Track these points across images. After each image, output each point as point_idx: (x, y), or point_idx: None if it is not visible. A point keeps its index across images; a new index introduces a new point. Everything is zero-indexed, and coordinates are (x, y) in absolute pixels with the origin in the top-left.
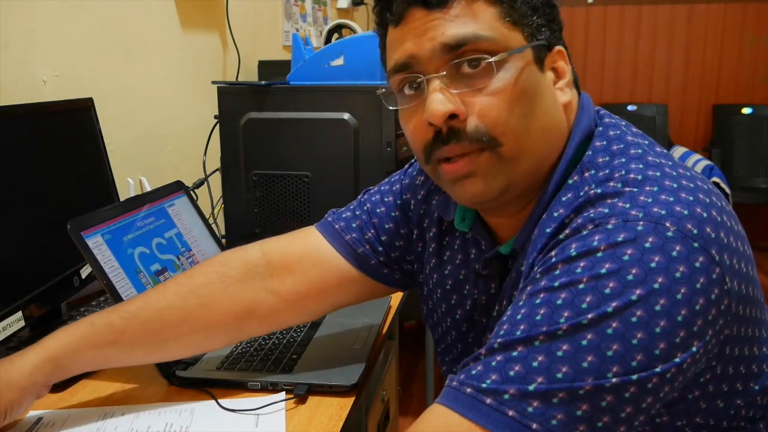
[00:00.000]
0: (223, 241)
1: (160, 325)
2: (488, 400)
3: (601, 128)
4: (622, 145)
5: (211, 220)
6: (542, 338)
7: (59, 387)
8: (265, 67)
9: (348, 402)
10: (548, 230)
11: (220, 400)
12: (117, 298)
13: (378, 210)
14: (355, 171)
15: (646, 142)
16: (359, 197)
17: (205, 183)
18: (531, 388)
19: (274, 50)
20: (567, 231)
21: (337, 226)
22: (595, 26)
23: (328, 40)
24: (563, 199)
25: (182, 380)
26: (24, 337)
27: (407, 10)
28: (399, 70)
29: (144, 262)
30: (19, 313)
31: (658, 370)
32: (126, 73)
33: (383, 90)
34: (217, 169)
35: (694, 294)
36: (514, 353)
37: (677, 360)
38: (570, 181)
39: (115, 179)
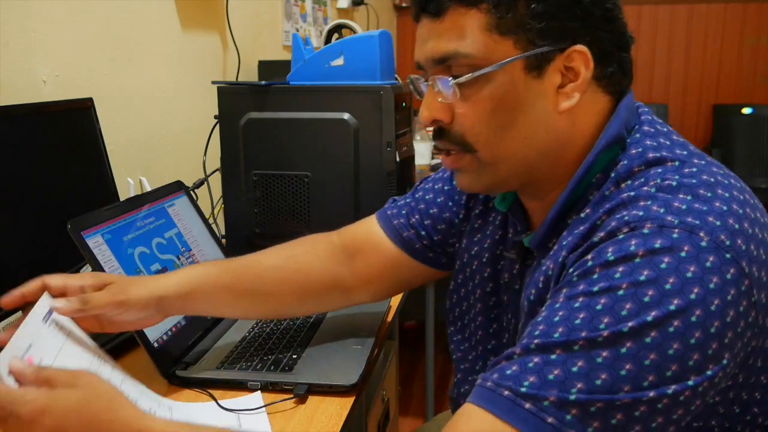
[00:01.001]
0: (223, 241)
1: (264, 281)
2: (527, 405)
3: (638, 135)
4: (658, 155)
5: (211, 220)
6: (582, 343)
7: None
8: (265, 67)
9: (348, 402)
10: (578, 231)
11: (220, 401)
12: None
13: (427, 196)
14: (355, 171)
15: (685, 152)
16: (416, 184)
17: (205, 183)
18: (572, 397)
19: (274, 50)
20: (601, 233)
21: (389, 212)
22: None
23: (328, 40)
24: (592, 199)
25: (182, 380)
26: None
27: (420, 15)
28: (416, 67)
29: (144, 262)
30: (19, 313)
31: (690, 383)
32: (126, 73)
33: (409, 80)
34: (217, 169)
35: (726, 306)
36: (553, 356)
37: (709, 373)
38: (606, 192)
39: (115, 179)
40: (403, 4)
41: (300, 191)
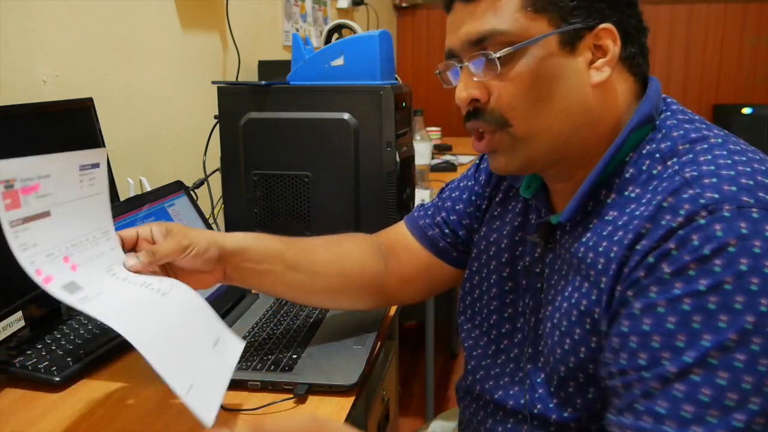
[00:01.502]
0: None
1: (314, 258)
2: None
3: (669, 114)
4: (699, 135)
5: (211, 220)
6: (714, 354)
7: (59, 387)
8: (265, 67)
9: (348, 402)
10: (639, 212)
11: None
12: None
13: (453, 194)
14: (355, 171)
15: (722, 132)
16: (442, 187)
17: (205, 183)
18: (731, 406)
19: (274, 50)
20: (679, 218)
21: (416, 213)
22: None
23: (328, 40)
24: (629, 177)
25: None
26: (24, 337)
27: (452, 3)
28: (446, 58)
29: None
30: (19, 313)
31: None
32: (126, 73)
33: (439, 70)
34: (217, 169)
35: None
36: (696, 378)
37: None
38: (654, 171)
39: (115, 179)
40: (403, 4)
41: (300, 191)
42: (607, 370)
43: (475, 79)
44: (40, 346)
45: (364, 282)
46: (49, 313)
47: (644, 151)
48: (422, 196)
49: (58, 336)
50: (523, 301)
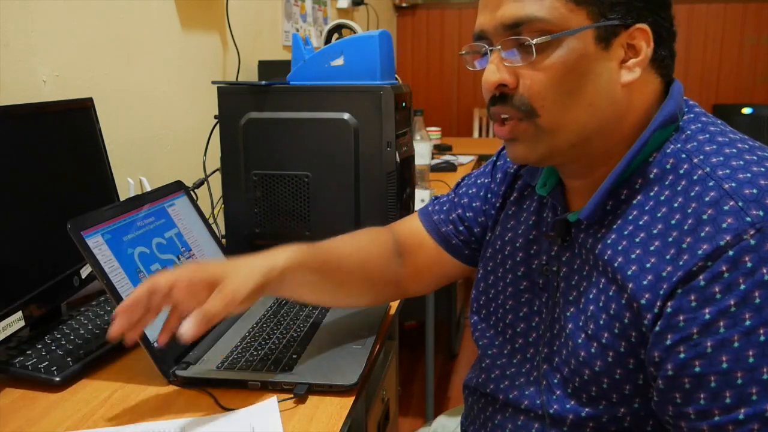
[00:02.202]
0: (223, 241)
1: (342, 269)
2: None
3: (692, 115)
4: (726, 138)
5: (211, 220)
6: None
7: (59, 387)
8: (265, 67)
9: (348, 402)
10: (675, 222)
11: (219, 401)
12: (117, 298)
13: (470, 191)
14: (355, 171)
15: (746, 137)
16: (459, 181)
17: (205, 183)
18: None
19: (274, 50)
20: (727, 236)
21: (430, 208)
22: None
23: (328, 40)
24: (654, 178)
25: (182, 380)
26: (24, 337)
27: None
28: (474, 40)
29: (144, 261)
30: (19, 313)
31: None
32: (126, 73)
33: (465, 51)
34: (217, 169)
35: None
36: None
37: None
38: (680, 171)
39: (115, 179)
40: (403, 4)
41: (300, 191)
42: (678, 410)
43: (506, 63)
44: (40, 346)
45: (384, 281)
46: (49, 313)
47: (668, 151)
48: (422, 196)
49: (58, 336)
50: (540, 300)
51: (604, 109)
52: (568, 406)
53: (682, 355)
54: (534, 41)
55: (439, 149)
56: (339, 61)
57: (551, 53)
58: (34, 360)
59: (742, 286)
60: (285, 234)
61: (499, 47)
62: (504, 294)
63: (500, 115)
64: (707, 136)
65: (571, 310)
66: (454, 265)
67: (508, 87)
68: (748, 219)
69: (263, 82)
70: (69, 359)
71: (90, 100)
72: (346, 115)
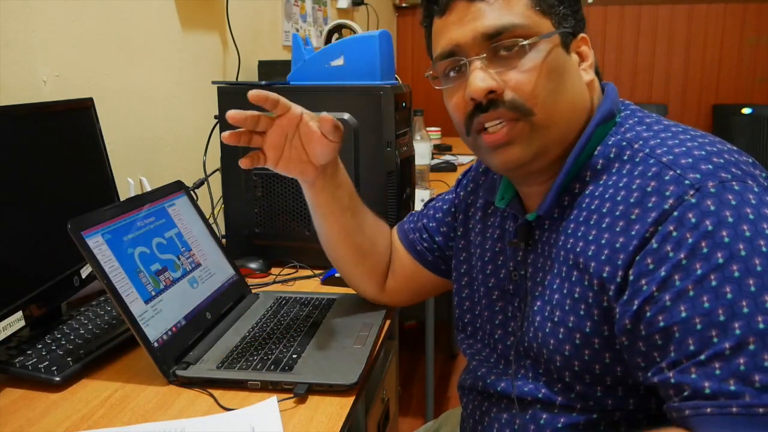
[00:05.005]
0: (223, 241)
1: (363, 227)
2: None
3: (628, 112)
4: (662, 126)
5: (211, 220)
6: (761, 319)
7: (59, 387)
8: (265, 67)
9: (348, 402)
10: (621, 198)
11: (219, 400)
12: (117, 298)
13: (437, 204)
14: (355, 171)
15: (683, 125)
16: (429, 200)
17: (205, 183)
18: None
19: (274, 50)
20: (670, 200)
21: (406, 226)
22: (595, 26)
23: (328, 40)
24: (601, 169)
25: (182, 380)
26: (24, 337)
27: (452, 1)
28: (445, 57)
29: (144, 261)
30: (19, 313)
31: None
32: (126, 73)
33: (430, 73)
34: (217, 169)
35: None
36: (751, 347)
37: None
38: (624, 157)
39: (115, 179)
40: (403, 4)
41: (300, 191)
42: (656, 366)
43: (490, 70)
44: (40, 346)
45: (379, 265)
46: (49, 313)
47: (609, 143)
48: (422, 196)
49: (58, 336)
50: (512, 306)
51: (579, 106)
52: (547, 394)
53: (648, 314)
54: (525, 42)
55: (439, 149)
56: (339, 61)
57: (534, 56)
58: (34, 360)
59: (690, 240)
60: (285, 234)
61: (484, 56)
62: (480, 306)
63: (489, 122)
64: (644, 126)
65: (538, 304)
66: (426, 277)
67: (495, 93)
68: (687, 182)
69: (263, 82)
70: (69, 359)
71: (90, 100)
72: (346, 115)
